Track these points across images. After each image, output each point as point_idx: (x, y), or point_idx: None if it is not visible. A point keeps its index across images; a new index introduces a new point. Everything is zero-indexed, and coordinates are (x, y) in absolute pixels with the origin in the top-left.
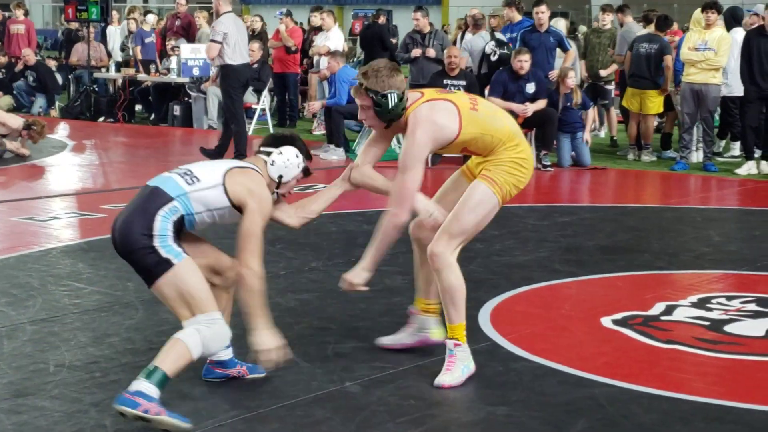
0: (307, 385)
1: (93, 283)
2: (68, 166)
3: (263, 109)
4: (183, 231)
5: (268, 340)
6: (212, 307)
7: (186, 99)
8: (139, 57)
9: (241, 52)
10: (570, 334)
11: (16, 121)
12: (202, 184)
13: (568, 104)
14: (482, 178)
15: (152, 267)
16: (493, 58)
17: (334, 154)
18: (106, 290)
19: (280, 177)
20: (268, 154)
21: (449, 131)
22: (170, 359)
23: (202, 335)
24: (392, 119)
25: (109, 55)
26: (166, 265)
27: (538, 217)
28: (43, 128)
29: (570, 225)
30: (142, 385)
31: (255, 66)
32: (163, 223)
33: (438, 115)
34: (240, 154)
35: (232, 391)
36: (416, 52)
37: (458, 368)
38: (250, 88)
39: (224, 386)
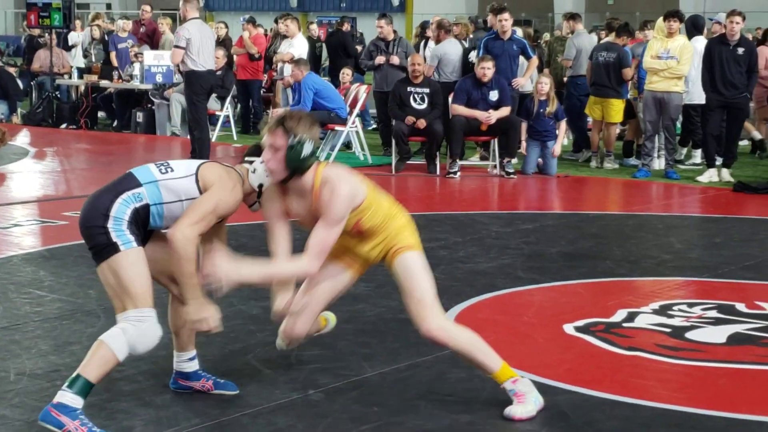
0: (270, 393)
1: (54, 290)
2: (30, 173)
3: (227, 116)
4: (152, 227)
5: (198, 310)
6: (146, 304)
7: (149, 106)
8: (115, 63)
9: (205, 59)
10: (532, 341)
11: None
12: (174, 173)
13: (541, 111)
14: (400, 251)
15: (100, 248)
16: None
17: None
18: (68, 298)
19: (260, 186)
20: (251, 162)
21: (361, 191)
22: (93, 365)
23: (128, 335)
24: (297, 171)
25: (70, 61)
26: (112, 249)
27: (501, 224)
28: (4, 135)
29: (533, 232)
30: (66, 396)
31: (219, 73)
32: (121, 207)
33: (349, 173)
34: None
35: (194, 399)
36: (380, 59)
37: (530, 401)
38: (214, 95)
39: (186, 395)
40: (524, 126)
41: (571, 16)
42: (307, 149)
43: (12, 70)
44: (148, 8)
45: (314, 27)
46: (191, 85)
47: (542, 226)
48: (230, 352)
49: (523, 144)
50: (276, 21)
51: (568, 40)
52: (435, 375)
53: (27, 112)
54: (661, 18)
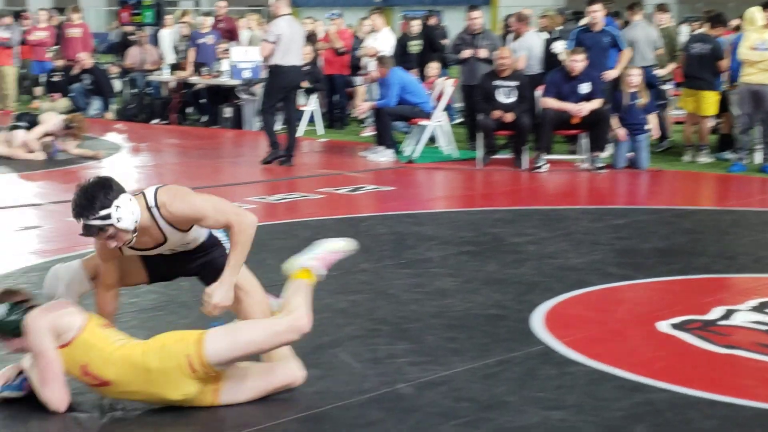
0: (360, 386)
1: None
2: (123, 168)
3: (312, 111)
4: None
5: (220, 294)
6: None
7: (236, 101)
8: (192, 59)
9: (293, 55)
10: (625, 339)
11: (51, 121)
12: None
13: (633, 103)
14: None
15: None
16: (563, 57)
17: (383, 156)
18: (162, 290)
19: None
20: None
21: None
22: None
23: None
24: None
25: (162, 58)
26: None
27: (590, 219)
28: (82, 122)
29: (624, 227)
30: None
31: (307, 68)
32: None
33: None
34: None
35: (286, 393)
36: (467, 53)
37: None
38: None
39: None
40: (615, 119)
41: (630, 6)
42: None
43: (115, 70)
44: (223, 3)
45: (415, 22)
46: (272, 77)
47: (634, 221)
48: (319, 345)
49: (621, 131)
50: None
51: (623, 31)
52: (525, 371)
53: (120, 108)
54: (754, 8)
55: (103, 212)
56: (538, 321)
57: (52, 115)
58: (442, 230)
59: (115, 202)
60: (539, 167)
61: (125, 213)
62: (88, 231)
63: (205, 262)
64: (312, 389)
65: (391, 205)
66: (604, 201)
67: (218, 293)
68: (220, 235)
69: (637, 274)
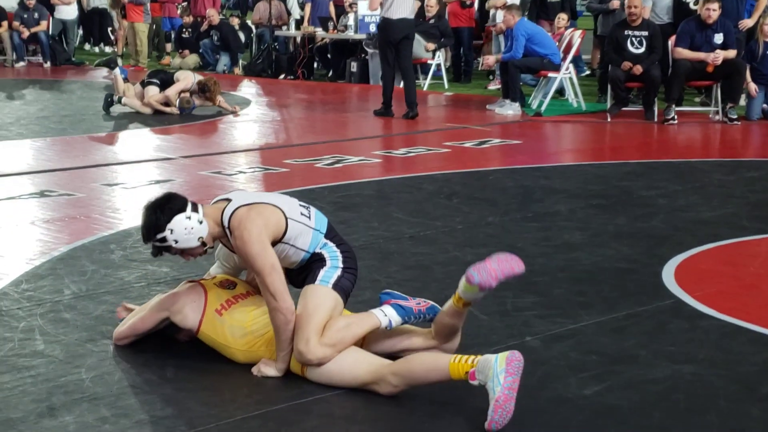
0: (487, 338)
1: None
2: (252, 123)
3: (438, 65)
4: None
5: (270, 372)
6: None
7: (363, 56)
8: (307, 14)
9: (401, 7)
10: (760, 293)
11: (188, 80)
12: None
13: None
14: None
15: None
16: (693, 6)
17: (510, 109)
18: None
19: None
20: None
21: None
22: None
23: None
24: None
25: (289, 13)
26: None
27: (724, 172)
28: (215, 85)
29: (759, 180)
30: None
31: (432, 21)
32: None
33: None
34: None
35: None
36: (615, 3)
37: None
38: (424, 43)
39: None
40: (748, 69)
41: None
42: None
43: (235, 21)
44: None
45: None
46: (381, 31)
47: None
48: (446, 297)
49: (752, 85)
50: None
51: None
52: (655, 325)
53: (247, 64)
54: None
55: (159, 236)
56: (668, 275)
57: (189, 74)
58: (570, 183)
59: (168, 226)
60: (670, 119)
61: (180, 234)
62: (155, 252)
63: (306, 276)
64: None
65: (518, 159)
66: (738, 153)
67: (270, 371)
68: (328, 254)
69: None
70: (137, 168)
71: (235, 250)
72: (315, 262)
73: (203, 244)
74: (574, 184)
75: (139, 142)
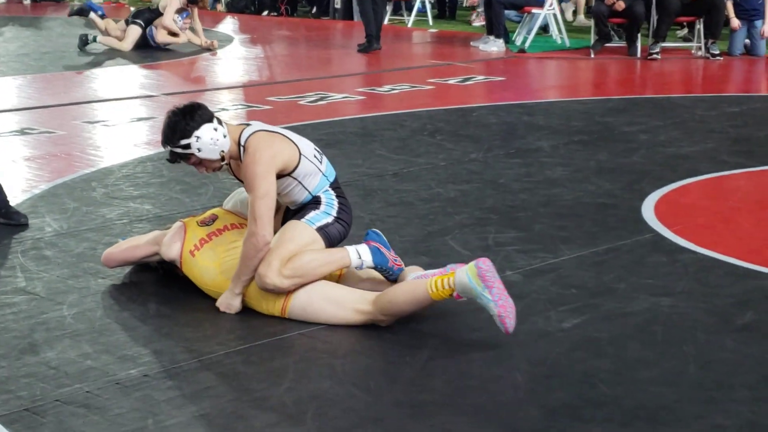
0: None
1: None
2: (235, 60)
3: (422, 1)
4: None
5: (224, 303)
6: None
7: None
8: None
9: None
10: (738, 226)
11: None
12: None
13: None
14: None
15: None
16: None
17: (494, 45)
18: None
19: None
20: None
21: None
22: None
23: None
24: (221, 157)
25: None
26: None
27: (705, 108)
28: None
29: (739, 115)
30: None
31: None
32: None
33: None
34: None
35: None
36: None
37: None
38: None
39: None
40: (730, 4)
41: None
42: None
43: None
44: None
45: None
46: None
47: (750, 108)
48: (429, 233)
49: (735, 21)
50: None
51: None
52: (634, 259)
53: (230, 1)
54: None
55: (183, 141)
56: (648, 209)
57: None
58: (553, 120)
59: (196, 133)
60: (654, 54)
61: (206, 143)
62: (172, 158)
63: (300, 212)
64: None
65: (501, 96)
66: (719, 89)
67: (222, 301)
68: (326, 199)
69: (751, 161)
70: (118, 105)
71: (239, 172)
72: (310, 203)
73: (222, 158)
74: (556, 121)
75: (120, 79)
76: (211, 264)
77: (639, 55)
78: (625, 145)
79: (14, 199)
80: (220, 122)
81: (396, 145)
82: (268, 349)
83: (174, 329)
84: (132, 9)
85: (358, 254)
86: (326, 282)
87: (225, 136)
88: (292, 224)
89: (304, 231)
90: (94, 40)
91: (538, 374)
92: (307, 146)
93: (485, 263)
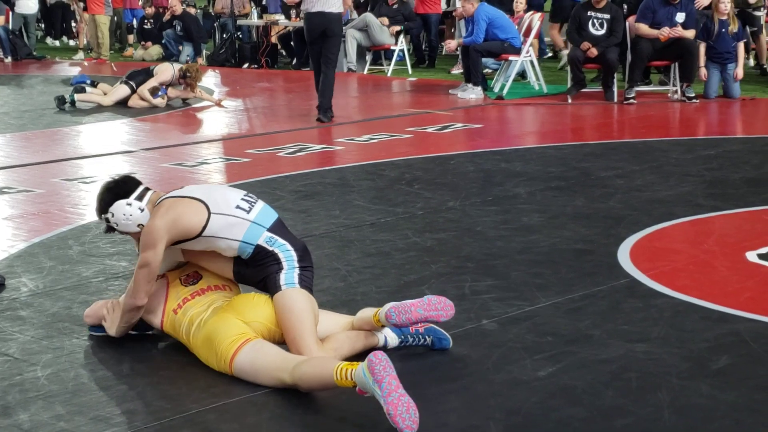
0: (445, 323)
1: None
2: (215, 113)
3: (402, 50)
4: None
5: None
6: None
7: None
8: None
9: (320, 2)
10: (713, 270)
11: (167, 73)
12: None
13: (723, 31)
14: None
15: None
16: None
17: (472, 93)
18: None
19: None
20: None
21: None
22: None
23: None
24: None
25: (250, 2)
26: None
27: (681, 151)
28: (197, 71)
29: (715, 158)
30: None
31: (395, 6)
32: None
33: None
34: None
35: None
36: None
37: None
38: (386, 28)
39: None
40: (703, 48)
41: None
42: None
43: (192, 11)
44: None
45: None
46: (304, 28)
47: (725, 151)
48: (405, 283)
49: (702, 70)
50: None
51: None
52: (610, 305)
53: (211, 53)
54: None
55: (103, 216)
56: (624, 254)
57: (167, 66)
58: (530, 166)
59: (110, 209)
60: (630, 99)
61: (119, 219)
62: (105, 229)
63: (264, 276)
64: None
65: (479, 143)
66: (695, 132)
67: (112, 324)
68: (281, 252)
69: (727, 204)
70: (98, 162)
71: None
72: (271, 264)
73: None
74: (533, 167)
75: (100, 135)
76: (191, 321)
77: (615, 99)
78: (601, 190)
79: None
80: (141, 195)
81: (374, 195)
82: (242, 405)
83: (148, 388)
84: (114, 66)
85: (383, 334)
86: (264, 343)
87: (142, 210)
88: (285, 298)
89: (299, 297)
90: (72, 100)
91: (514, 423)
92: (228, 200)
93: (377, 356)
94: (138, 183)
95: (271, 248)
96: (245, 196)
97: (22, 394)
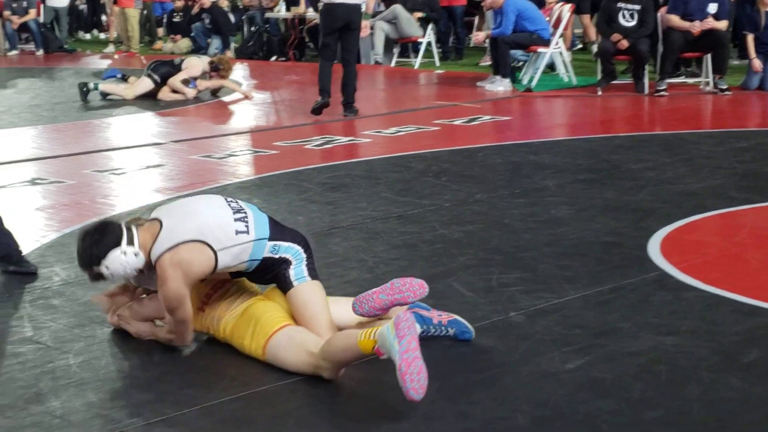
0: (472, 314)
1: None
2: (243, 105)
3: (429, 43)
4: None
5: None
6: None
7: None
8: None
9: None
10: (744, 263)
11: (197, 66)
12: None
13: None
14: None
15: None
16: None
17: (500, 85)
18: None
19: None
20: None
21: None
22: None
23: None
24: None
25: None
26: None
27: (713, 143)
28: (228, 63)
29: (747, 150)
30: None
31: None
32: None
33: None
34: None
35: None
36: None
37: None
38: (414, 19)
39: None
40: (751, 38)
41: None
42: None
43: (224, 4)
44: None
45: None
46: (322, 16)
47: (758, 143)
48: (432, 275)
49: (756, 62)
50: None
51: None
52: (639, 297)
53: (239, 46)
54: None
55: (95, 269)
56: (654, 247)
57: (196, 60)
58: (559, 159)
59: (104, 262)
60: (661, 91)
61: (116, 270)
62: (91, 279)
63: (274, 275)
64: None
65: (507, 135)
66: (727, 124)
67: (140, 330)
68: (287, 254)
69: (759, 197)
70: (128, 154)
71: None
72: (279, 265)
73: (141, 271)
74: (562, 159)
75: (129, 127)
76: (219, 313)
77: (646, 91)
78: (631, 182)
79: (24, 248)
80: (130, 239)
81: (401, 187)
82: (271, 394)
83: (177, 376)
84: (143, 59)
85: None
86: (300, 329)
87: (137, 254)
88: (299, 294)
89: (311, 291)
90: (95, 87)
91: (541, 416)
92: (224, 229)
93: (406, 314)
94: (120, 226)
95: (277, 256)
96: (235, 212)
97: (54, 381)
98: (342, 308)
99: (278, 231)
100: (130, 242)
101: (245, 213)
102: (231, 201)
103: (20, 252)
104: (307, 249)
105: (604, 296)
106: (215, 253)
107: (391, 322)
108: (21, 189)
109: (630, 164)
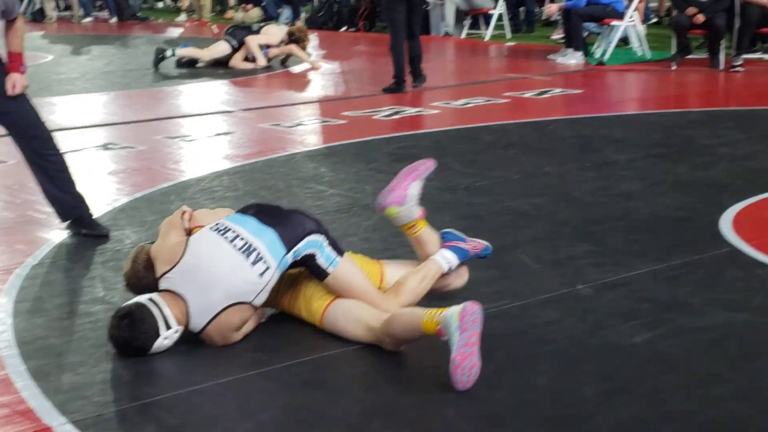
0: (538, 286)
1: (334, 185)
2: (312, 75)
3: (500, 15)
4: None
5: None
6: None
7: (424, 6)
8: None
9: None
10: None
11: (277, 36)
12: None
13: None
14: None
15: None
16: None
17: (573, 58)
18: (346, 193)
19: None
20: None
21: None
22: None
23: None
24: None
25: None
26: None
27: None
28: (305, 34)
29: None
30: None
31: None
32: None
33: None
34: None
35: (463, 291)
36: None
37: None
38: None
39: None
40: None
41: None
42: (164, 346)
43: None
44: None
45: None
46: None
47: None
48: (500, 246)
49: None
50: None
51: None
52: (710, 273)
53: (309, 16)
54: None
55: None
56: (726, 223)
57: (276, 29)
58: (631, 133)
59: (150, 352)
60: (737, 67)
61: (162, 348)
62: None
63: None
64: (490, 289)
65: (578, 109)
66: None
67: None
68: (309, 249)
69: None
70: (198, 121)
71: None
72: (305, 261)
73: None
74: (634, 134)
75: (200, 95)
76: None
77: (722, 67)
78: (704, 158)
79: (96, 211)
80: (166, 322)
81: (469, 158)
82: (335, 360)
83: (243, 341)
84: (215, 28)
85: (446, 259)
86: (355, 302)
87: (177, 332)
88: (338, 279)
89: (348, 271)
90: (173, 54)
91: (608, 389)
92: (249, 281)
93: (473, 307)
94: (150, 311)
95: (300, 257)
96: (248, 254)
97: None
98: (400, 270)
99: (291, 238)
100: (168, 325)
101: (256, 248)
102: (234, 238)
103: (91, 215)
104: (320, 229)
105: (673, 271)
106: (251, 304)
107: (457, 310)
108: (94, 153)
109: (703, 140)
